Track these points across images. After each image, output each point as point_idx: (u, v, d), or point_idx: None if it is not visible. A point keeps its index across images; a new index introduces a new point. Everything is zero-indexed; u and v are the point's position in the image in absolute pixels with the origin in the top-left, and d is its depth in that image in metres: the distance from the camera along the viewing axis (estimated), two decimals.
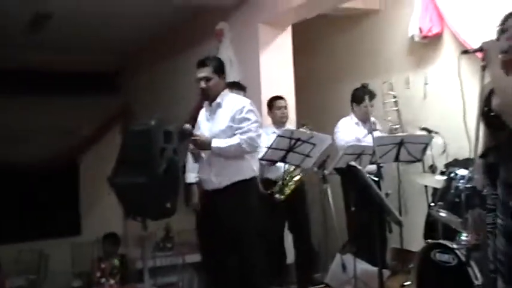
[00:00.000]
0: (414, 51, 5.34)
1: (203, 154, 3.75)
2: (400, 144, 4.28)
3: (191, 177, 4.03)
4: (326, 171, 4.19)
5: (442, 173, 4.20)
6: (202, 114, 3.86)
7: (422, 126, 4.78)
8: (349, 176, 3.32)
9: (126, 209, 3.26)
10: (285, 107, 4.83)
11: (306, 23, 5.44)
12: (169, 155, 3.15)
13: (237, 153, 3.65)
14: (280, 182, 4.47)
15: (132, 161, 3.12)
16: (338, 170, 3.81)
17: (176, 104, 6.50)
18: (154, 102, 7.36)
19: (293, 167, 4.42)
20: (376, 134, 4.59)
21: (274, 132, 4.51)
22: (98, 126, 7.96)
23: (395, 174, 4.79)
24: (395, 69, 5.47)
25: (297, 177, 4.54)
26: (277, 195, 4.42)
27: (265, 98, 5.00)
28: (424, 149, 4.39)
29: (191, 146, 3.72)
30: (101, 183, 3.46)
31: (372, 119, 4.45)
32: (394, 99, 5.24)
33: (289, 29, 5.45)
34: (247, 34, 5.48)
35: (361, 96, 4.53)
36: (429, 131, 4.70)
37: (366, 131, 4.72)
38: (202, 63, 3.70)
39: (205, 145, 3.65)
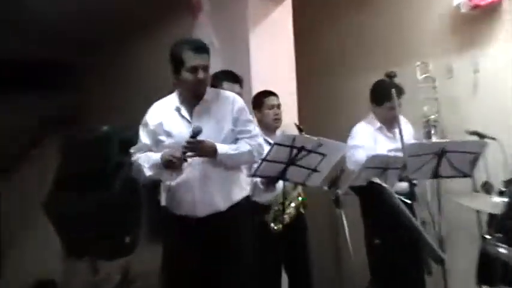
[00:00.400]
0: (460, 27, 5.42)
1: (187, 165, 3.70)
2: (441, 154, 4.28)
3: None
4: (340, 191, 4.24)
5: (501, 194, 4.26)
6: (169, 114, 3.82)
7: (471, 129, 4.85)
8: (372, 197, 3.40)
9: (68, 246, 3.28)
10: (278, 106, 4.88)
11: None
12: (127, 172, 3.22)
13: (244, 163, 3.89)
14: (276, 208, 4.53)
15: (76, 180, 3.16)
16: (356, 190, 3.91)
17: (145, 100, 6.58)
18: (118, 100, 7.46)
19: (293, 185, 4.49)
20: (408, 140, 4.63)
21: (265, 140, 4.52)
22: (32, 133, 8.01)
23: (434, 194, 4.78)
24: (434, 53, 5.51)
25: (299, 200, 4.62)
26: (272, 225, 4.47)
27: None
28: (474, 161, 4.41)
29: (173, 155, 3.64)
30: (32, 209, 3.47)
31: (403, 120, 4.48)
32: (432, 84, 5.27)
33: (289, 1, 5.56)
34: (234, 8, 5.57)
35: (384, 92, 4.50)
36: (481, 136, 4.76)
37: (393, 140, 4.77)
38: (203, 48, 3.76)
39: (210, 152, 3.69)
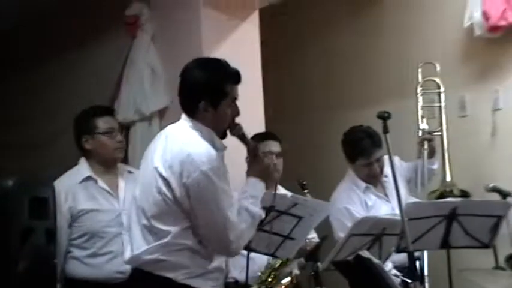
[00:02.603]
0: (474, 53, 5.52)
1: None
2: (451, 217, 4.31)
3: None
4: (320, 265, 4.23)
5: None
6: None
7: (491, 185, 4.85)
8: (360, 276, 3.36)
9: None
10: (278, 155, 4.98)
11: (282, 7, 5.71)
12: (38, 242, 3.25)
13: None
14: (255, 287, 4.57)
15: None
16: (340, 265, 3.82)
17: (53, 141, 6.65)
18: (17, 141, 7.46)
19: (284, 258, 4.52)
20: (406, 197, 4.78)
21: None
22: None
23: (443, 270, 4.62)
24: (443, 86, 5.51)
25: (287, 279, 4.64)
26: None
27: None
28: (495, 227, 4.43)
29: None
30: None
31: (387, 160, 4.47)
32: (438, 90, 5.34)
33: (255, 17, 5.64)
34: (183, 25, 5.61)
35: (354, 145, 4.88)
36: (504, 194, 4.76)
37: (386, 200, 4.98)
38: (240, 79, 3.96)
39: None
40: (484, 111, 5.47)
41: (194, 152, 3.62)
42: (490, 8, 5.19)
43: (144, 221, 3.67)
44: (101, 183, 4.55)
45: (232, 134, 3.80)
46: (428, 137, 5.14)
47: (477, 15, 5.26)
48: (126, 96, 5.77)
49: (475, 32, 5.32)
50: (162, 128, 5.17)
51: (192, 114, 3.79)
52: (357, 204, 4.95)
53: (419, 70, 5.36)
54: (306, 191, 4.61)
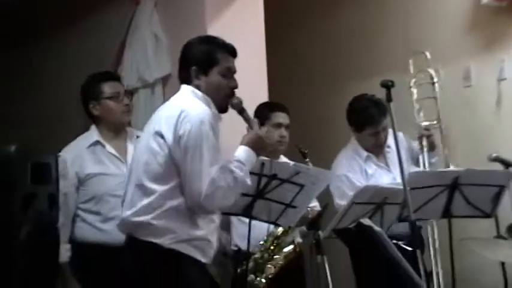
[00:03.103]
0: (481, 22, 5.53)
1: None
2: (454, 186, 4.37)
3: None
4: (321, 234, 4.25)
5: None
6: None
7: (494, 154, 4.84)
8: (361, 243, 3.40)
9: None
10: (287, 127, 5.02)
11: None
12: (41, 207, 3.27)
13: None
14: (258, 255, 4.62)
15: None
16: (341, 233, 3.88)
17: (60, 109, 6.64)
18: (17, 112, 7.49)
19: (286, 226, 4.56)
20: (408, 167, 4.78)
21: None
22: None
23: (444, 239, 4.73)
24: (446, 56, 5.59)
25: (290, 247, 4.69)
26: (252, 278, 4.54)
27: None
28: (497, 196, 4.50)
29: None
30: None
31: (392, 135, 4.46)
32: (431, 81, 5.26)
33: None
34: None
35: (362, 114, 4.89)
36: (507, 164, 4.75)
37: (387, 170, 5.01)
38: (236, 53, 4.02)
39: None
40: (489, 81, 5.50)
41: (191, 108, 3.75)
42: None
43: (136, 181, 3.77)
44: (109, 147, 4.58)
45: (232, 107, 3.90)
46: (426, 133, 5.12)
47: None
48: (129, 63, 5.76)
49: (481, 0, 5.31)
50: (165, 94, 5.31)
51: (187, 82, 3.91)
52: (357, 172, 4.97)
53: (410, 61, 5.34)
54: (306, 159, 4.57)
